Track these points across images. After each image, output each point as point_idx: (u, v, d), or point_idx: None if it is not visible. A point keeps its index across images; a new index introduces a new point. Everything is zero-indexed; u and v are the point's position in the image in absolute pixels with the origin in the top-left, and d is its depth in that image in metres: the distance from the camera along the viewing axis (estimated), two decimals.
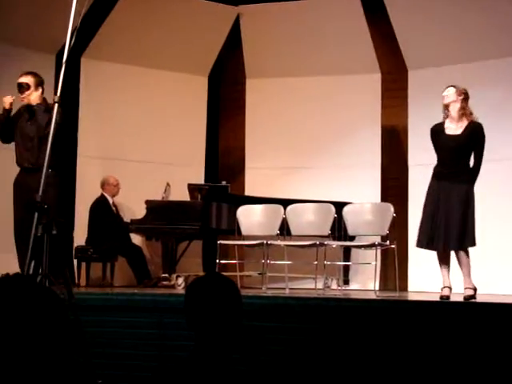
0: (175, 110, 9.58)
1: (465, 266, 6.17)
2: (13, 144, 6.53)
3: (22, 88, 6.34)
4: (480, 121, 6.35)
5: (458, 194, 6.19)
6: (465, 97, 6.33)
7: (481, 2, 8.38)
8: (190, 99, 9.76)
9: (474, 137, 6.27)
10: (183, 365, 2.19)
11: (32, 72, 6.47)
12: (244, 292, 2.39)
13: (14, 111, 6.51)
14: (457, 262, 6.24)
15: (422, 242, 6.33)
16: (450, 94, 6.32)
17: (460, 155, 6.28)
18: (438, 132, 6.39)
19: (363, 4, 9.12)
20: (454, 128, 6.31)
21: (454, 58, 8.63)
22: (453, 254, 6.30)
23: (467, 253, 6.19)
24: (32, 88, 6.35)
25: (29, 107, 6.39)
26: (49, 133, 5.99)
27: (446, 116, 6.37)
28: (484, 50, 8.51)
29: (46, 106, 6.30)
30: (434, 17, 8.72)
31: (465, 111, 6.30)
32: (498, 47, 8.43)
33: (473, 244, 6.20)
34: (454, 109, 6.31)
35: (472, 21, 8.48)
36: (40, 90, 6.39)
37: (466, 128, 6.28)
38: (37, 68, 8.41)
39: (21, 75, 6.43)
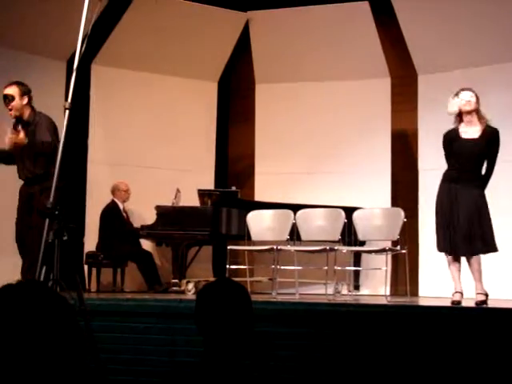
0: (185, 115, 9.60)
1: (477, 272, 6.14)
2: None
3: (7, 100, 6.18)
4: (493, 123, 6.34)
5: (471, 199, 6.16)
6: (479, 103, 6.31)
7: (491, 5, 8.36)
8: (200, 105, 9.78)
9: (491, 142, 6.25)
10: (193, 370, 2.19)
11: (16, 82, 6.29)
12: (254, 297, 2.38)
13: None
14: (468, 267, 6.22)
15: (444, 247, 6.29)
16: (473, 102, 6.26)
17: (476, 159, 6.25)
18: (452, 138, 6.33)
19: (372, 9, 9.12)
20: (470, 132, 6.28)
21: (464, 62, 8.61)
22: (463, 258, 6.28)
23: (480, 258, 6.17)
24: (17, 98, 6.19)
25: (17, 121, 6.27)
26: (37, 148, 6.07)
27: (459, 121, 6.33)
28: (494, 54, 8.49)
29: (33, 118, 6.23)
30: (443, 21, 8.71)
31: (484, 117, 6.29)
32: (509, 51, 8.41)
33: (495, 250, 6.17)
34: (473, 116, 6.28)
35: (482, 24, 8.47)
36: (26, 99, 6.22)
37: (484, 132, 6.25)
38: (48, 75, 8.52)
39: (5, 86, 6.27)
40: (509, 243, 7.74)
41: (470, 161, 6.25)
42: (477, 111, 6.28)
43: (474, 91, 6.31)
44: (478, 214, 6.14)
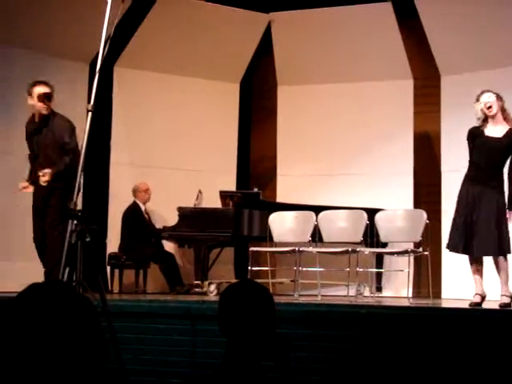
0: (207, 117, 9.61)
1: (503, 273, 6.11)
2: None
3: (50, 98, 6.26)
4: None
5: (491, 200, 6.14)
6: (503, 101, 6.27)
7: None
8: (222, 106, 9.79)
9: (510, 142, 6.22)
10: (215, 372, 2.19)
11: (45, 81, 6.37)
12: (276, 299, 2.38)
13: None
14: (495, 268, 6.18)
15: (454, 245, 6.28)
16: (494, 102, 6.22)
17: (498, 158, 6.22)
18: (475, 134, 6.31)
19: (395, 10, 9.08)
20: (495, 131, 6.25)
21: (487, 63, 8.54)
22: (489, 260, 6.24)
23: (506, 259, 6.13)
24: (53, 98, 6.30)
25: (46, 118, 6.38)
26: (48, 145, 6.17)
27: (483, 122, 6.29)
28: None
29: (53, 117, 6.35)
30: (466, 22, 8.65)
31: (507, 116, 6.25)
32: None
33: (509, 252, 6.14)
34: (497, 115, 6.25)
35: (505, 25, 8.40)
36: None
37: (508, 132, 6.23)
38: (71, 77, 8.57)
39: (42, 85, 6.29)
40: None
41: (490, 159, 6.21)
42: (502, 110, 6.24)
43: (492, 91, 6.27)
44: (497, 217, 6.10)
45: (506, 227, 6.14)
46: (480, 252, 6.16)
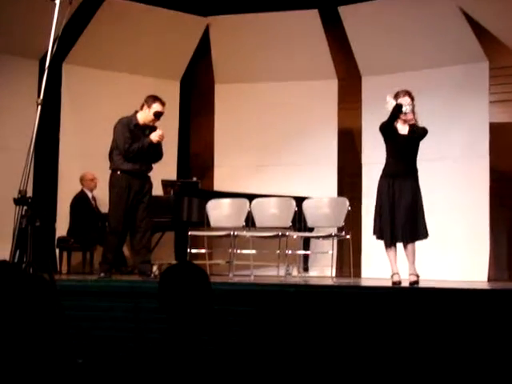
0: None
1: (412, 255, 6.22)
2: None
3: (160, 117, 7.03)
4: (425, 123, 6.39)
5: (408, 189, 6.22)
6: (413, 100, 6.35)
7: (431, 15, 8.43)
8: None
9: (419, 137, 6.31)
10: (156, 345, 2.19)
11: (164, 102, 7.10)
12: (212, 279, 2.39)
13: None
14: (403, 250, 6.29)
15: (381, 233, 6.31)
16: (409, 112, 6.26)
17: (408, 152, 6.30)
18: (389, 131, 6.37)
19: (321, 17, 9.17)
20: (403, 128, 6.33)
21: (403, 66, 8.71)
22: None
23: (415, 243, 6.25)
24: None
25: (147, 128, 7.07)
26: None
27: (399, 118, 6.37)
28: (430, 60, 8.60)
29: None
30: (385, 29, 8.79)
31: (414, 114, 6.33)
32: (443, 57, 8.53)
33: (426, 236, 6.25)
34: (410, 114, 6.32)
35: (420, 32, 8.56)
36: None
37: (412, 128, 6.30)
38: (21, 73, 8.36)
39: (161, 104, 7.00)
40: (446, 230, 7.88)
41: (402, 154, 6.30)
42: (413, 111, 6.32)
43: (409, 95, 6.31)
44: (413, 203, 6.19)
45: (422, 212, 6.23)
46: (404, 239, 6.23)
